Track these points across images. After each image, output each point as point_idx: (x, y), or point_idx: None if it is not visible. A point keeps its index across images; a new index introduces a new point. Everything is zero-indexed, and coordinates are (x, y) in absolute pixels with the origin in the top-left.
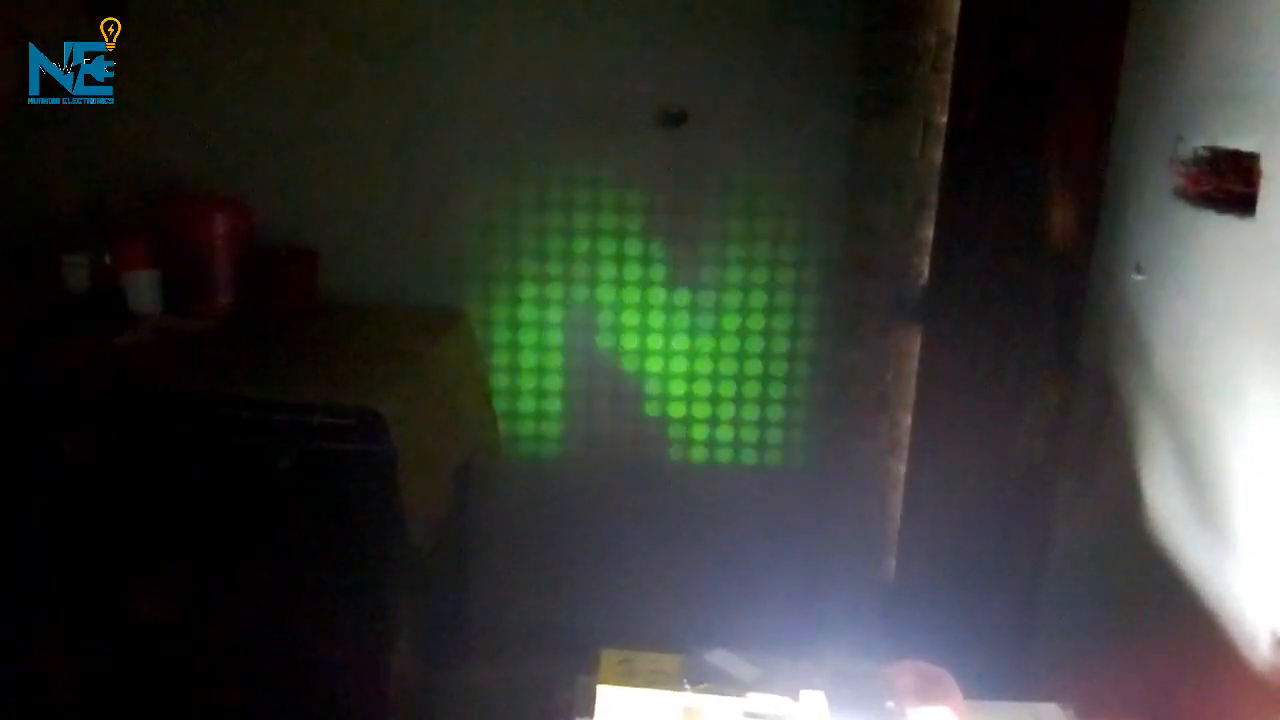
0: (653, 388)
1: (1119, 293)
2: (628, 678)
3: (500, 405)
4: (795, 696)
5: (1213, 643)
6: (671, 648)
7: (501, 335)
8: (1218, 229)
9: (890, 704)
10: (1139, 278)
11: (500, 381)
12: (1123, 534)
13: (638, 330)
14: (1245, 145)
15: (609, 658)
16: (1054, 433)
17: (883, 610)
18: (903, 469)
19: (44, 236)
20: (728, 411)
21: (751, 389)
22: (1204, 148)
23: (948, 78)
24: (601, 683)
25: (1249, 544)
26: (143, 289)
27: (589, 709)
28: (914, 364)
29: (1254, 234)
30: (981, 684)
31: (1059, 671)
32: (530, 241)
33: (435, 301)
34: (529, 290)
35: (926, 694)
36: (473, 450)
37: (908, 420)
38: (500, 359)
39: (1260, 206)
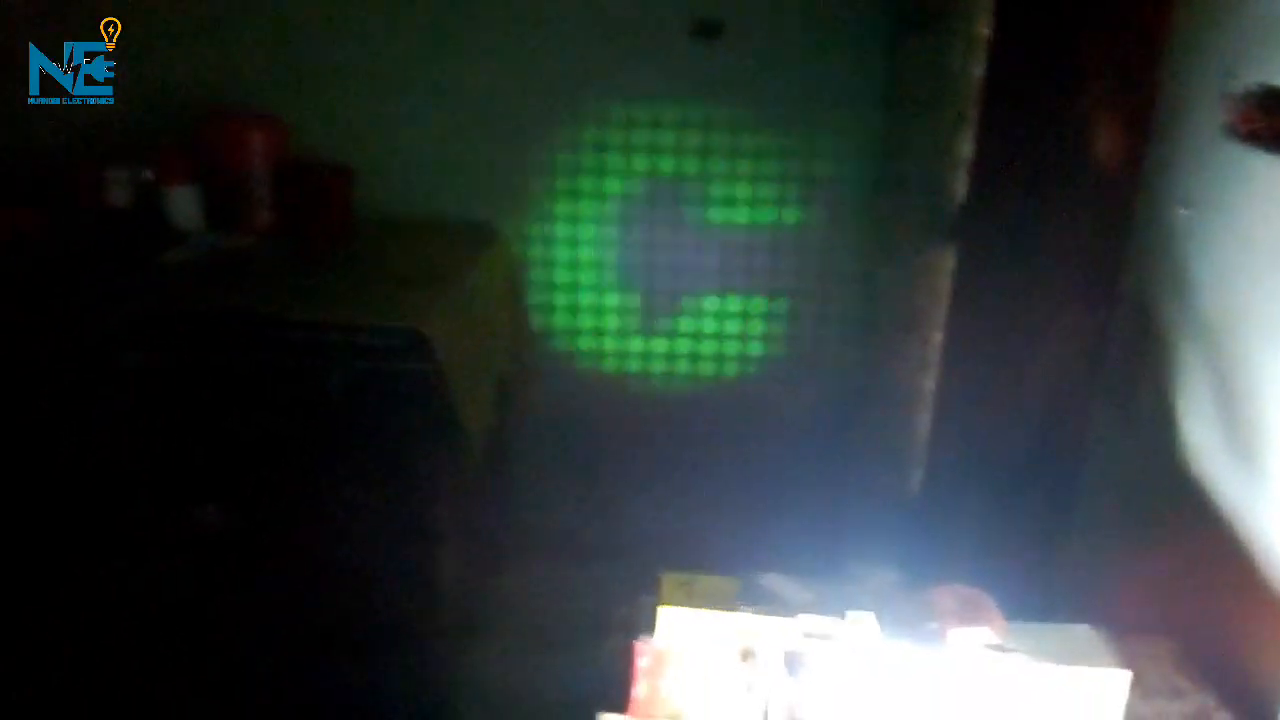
0: (688, 304)
1: (1163, 225)
2: (686, 599)
3: (536, 321)
4: (842, 617)
5: (1243, 572)
6: (711, 559)
7: (536, 251)
8: (1266, 170)
9: (933, 625)
10: (1184, 212)
11: (536, 297)
12: (1157, 462)
13: (672, 246)
14: None
15: (670, 580)
16: (1085, 358)
17: (909, 522)
18: (932, 386)
19: (81, 153)
20: (759, 327)
21: (783, 305)
22: (1256, 85)
23: None
24: (663, 604)
25: None
26: (185, 205)
27: (650, 627)
28: (947, 283)
29: None
30: (1006, 599)
31: (1087, 592)
32: (564, 157)
33: (470, 217)
34: (564, 206)
35: (967, 616)
36: (511, 366)
37: (938, 338)
38: (536, 275)
39: None
